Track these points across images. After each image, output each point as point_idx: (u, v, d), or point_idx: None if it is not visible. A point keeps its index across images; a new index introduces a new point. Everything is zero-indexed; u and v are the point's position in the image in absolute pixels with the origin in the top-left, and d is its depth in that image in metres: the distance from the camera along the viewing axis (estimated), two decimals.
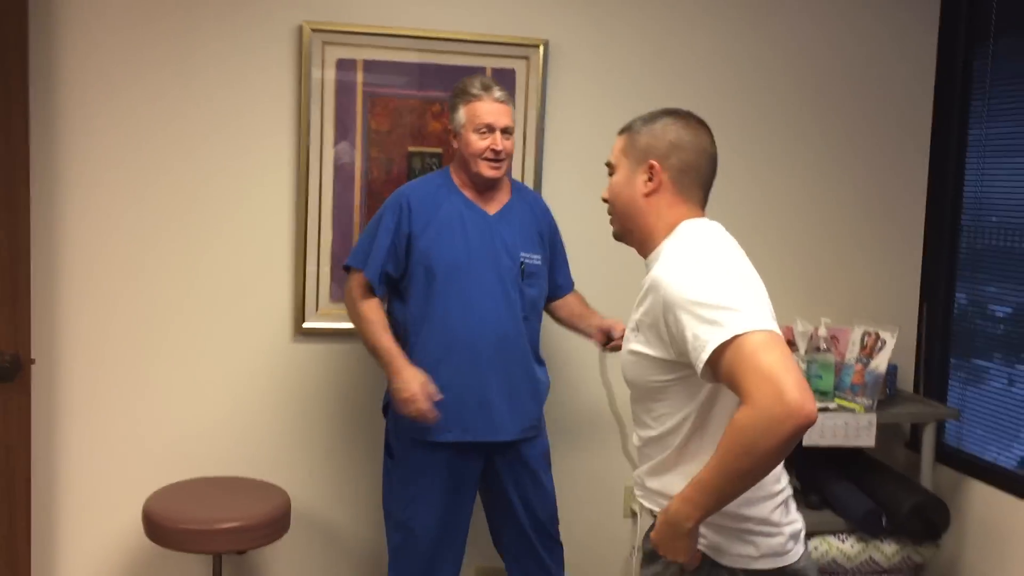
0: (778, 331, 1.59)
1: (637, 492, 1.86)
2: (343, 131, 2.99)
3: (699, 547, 1.69)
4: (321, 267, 3.01)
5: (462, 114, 2.61)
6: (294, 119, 2.97)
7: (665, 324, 1.65)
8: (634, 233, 1.85)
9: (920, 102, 3.40)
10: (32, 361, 2.61)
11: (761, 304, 1.67)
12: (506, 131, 2.60)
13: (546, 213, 2.81)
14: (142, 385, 2.95)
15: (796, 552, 1.75)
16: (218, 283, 2.97)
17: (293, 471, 3.05)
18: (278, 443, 3.05)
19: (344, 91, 2.98)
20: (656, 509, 1.77)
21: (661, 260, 1.74)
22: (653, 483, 1.79)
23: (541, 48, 3.07)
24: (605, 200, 1.89)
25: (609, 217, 1.89)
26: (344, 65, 2.97)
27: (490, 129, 2.57)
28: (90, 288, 2.89)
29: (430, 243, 2.58)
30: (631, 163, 1.83)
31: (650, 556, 1.76)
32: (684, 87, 3.24)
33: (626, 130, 1.87)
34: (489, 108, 2.58)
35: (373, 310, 2.63)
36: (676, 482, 1.68)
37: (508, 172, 2.73)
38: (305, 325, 3.01)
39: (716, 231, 1.81)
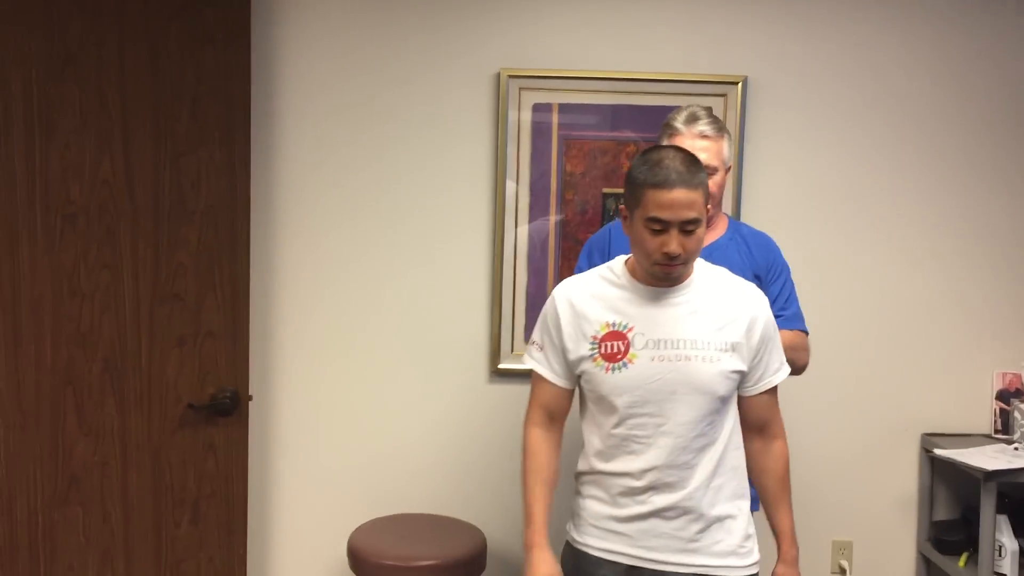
0: None
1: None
2: (538, 173, 3.02)
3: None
4: (516, 308, 3.04)
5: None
6: (491, 161, 3.03)
7: (760, 344, 1.98)
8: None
9: None
10: (250, 397, 2.76)
11: None
12: (707, 167, 2.20)
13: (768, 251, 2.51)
14: (348, 422, 3.07)
15: None
16: (419, 323, 3.06)
17: (489, 511, 3.07)
18: (474, 482, 3.08)
19: (539, 133, 3.02)
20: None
21: (736, 282, 2.03)
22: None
23: (740, 85, 2.99)
24: (687, 256, 1.92)
25: (678, 267, 1.92)
26: (540, 108, 3.01)
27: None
28: (302, 328, 3.05)
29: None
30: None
31: None
32: (893, 122, 3.07)
33: (701, 181, 1.90)
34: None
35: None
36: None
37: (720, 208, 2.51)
38: (500, 366, 3.04)
39: None
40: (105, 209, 2.59)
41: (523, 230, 3.04)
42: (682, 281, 1.96)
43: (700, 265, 2.01)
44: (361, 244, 3.05)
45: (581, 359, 1.97)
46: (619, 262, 2.04)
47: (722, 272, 2.05)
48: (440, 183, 3.05)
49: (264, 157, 2.99)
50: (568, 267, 2.97)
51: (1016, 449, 2.89)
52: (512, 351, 3.05)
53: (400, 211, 3.05)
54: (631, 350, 1.93)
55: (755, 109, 3.03)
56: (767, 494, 2.08)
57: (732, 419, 2.00)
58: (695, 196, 1.85)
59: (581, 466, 2.05)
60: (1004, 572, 2.81)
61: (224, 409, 2.67)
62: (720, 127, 2.40)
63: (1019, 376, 3.05)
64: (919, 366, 3.13)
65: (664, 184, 1.84)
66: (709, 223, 2.38)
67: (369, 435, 3.07)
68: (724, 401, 1.96)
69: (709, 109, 2.45)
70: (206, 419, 2.67)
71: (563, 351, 2.00)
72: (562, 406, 2.07)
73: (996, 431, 3.08)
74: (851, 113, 3.07)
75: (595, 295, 2.00)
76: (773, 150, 3.06)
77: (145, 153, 2.60)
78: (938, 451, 2.93)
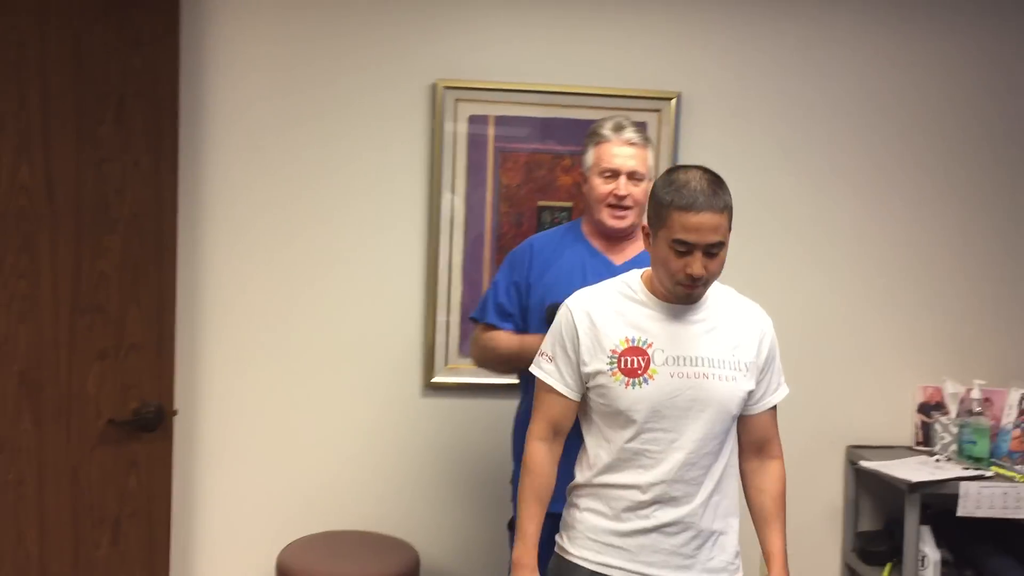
0: None
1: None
2: (474, 185, 3.01)
3: None
4: (451, 320, 3.01)
5: (590, 156, 2.46)
6: (426, 173, 3.00)
7: (765, 363, 2.03)
8: None
9: None
10: (175, 412, 2.67)
11: None
12: (634, 176, 2.40)
13: None
14: (277, 437, 2.99)
15: None
16: (351, 336, 3.00)
17: (422, 527, 3.02)
18: (407, 498, 3.04)
19: (476, 146, 3.00)
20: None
21: (744, 302, 2.06)
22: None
23: (673, 101, 3.03)
24: (709, 278, 1.93)
25: (699, 288, 1.94)
26: (476, 120, 2.99)
27: (615, 174, 2.40)
28: (229, 340, 2.96)
29: (546, 291, 2.46)
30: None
31: None
32: (819, 138, 3.15)
33: (726, 204, 1.90)
34: (617, 151, 2.40)
35: (493, 337, 2.52)
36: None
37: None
38: (434, 380, 3.01)
39: None
40: (23, 216, 2.48)
41: (458, 242, 3.02)
42: (699, 298, 1.98)
43: (712, 284, 2.03)
44: (292, 255, 2.99)
45: (597, 373, 1.96)
46: (635, 277, 2.04)
47: (730, 291, 2.08)
48: (375, 194, 3.00)
49: (192, 164, 2.90)
50: None
51: (938, 461, 2.97)
52: (446, 364, 3.02)
53: (333, 221, 3.00)
54: (652, 365, 1.93)
55: (688, 124, 3.07)
56: (761, 514, 2.08)
57: (733, 438, 2.04)
58: (720, 220, 1.87)
59: (580, 478, 2.04)
60: None
61: (147, 424, 2.58)
62: (645, 136, 2.47)
63: (940, 389, 3.14)
64: (844, 380, 3.20)
65: (691, 208, 1.84)
66: (634, 233, 2.48)
67: (299, 450, 3.00)
68: (733, 420, 2.00)
69: (631, 121, 2.49)
70: (128, 435, 2.58)
71: (578, 364, 1.98)
72: (569, 419, 2.04)
73: (918, 443, 3.17)
74: (779, 129, 3.13)
75: (614, 309, 1.99)
76: (705, 164, 3.08)
77: (67, 157, 2.51)
78: (864, 463, 3.00)
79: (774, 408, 2.08)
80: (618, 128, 2.44)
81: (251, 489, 2.99)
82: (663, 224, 1.89)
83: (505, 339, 2.50)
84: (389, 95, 2.99)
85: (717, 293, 2.03)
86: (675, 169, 1.96)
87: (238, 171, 2.95)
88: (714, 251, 1.88)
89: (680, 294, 1.93)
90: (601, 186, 2.42)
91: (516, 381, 2.59)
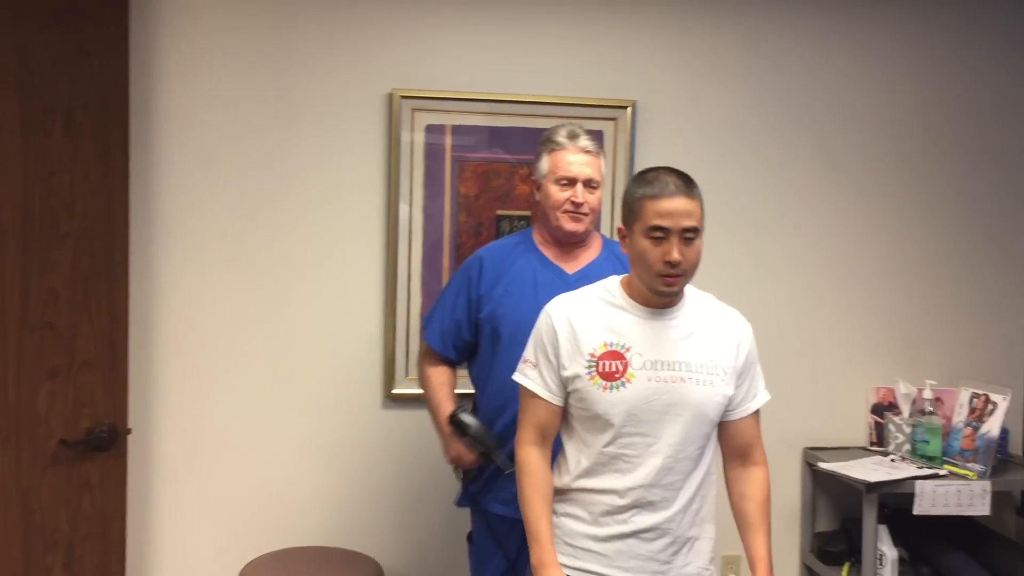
0: None
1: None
2: (432, 195, 2.99)
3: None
4: (411, 331, 2.99)
5: (545, 163, 2.45)
6: (384, 184, 2.98)
7: (744, 368, 2.03)
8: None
9: (1021, 148, 3.30)
10: (129, 430, 2.60)
11: None
12: (590, 183, 2.41)
13: None
14: (235, 453, 2.94)
15: None
16: (310, 348, 2.96)
17: (385, 540, 2.99)
18: (368, 511, 3.00)
19: (433, 156, 2.99)
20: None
21: (723, 308, 2.06)
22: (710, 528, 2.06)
23: (629, 109, 3.05)
24: (687, 266, 1.94)
25: (679, 278, 1.94)
26: (433, 130, 2.98)
27: (571, 181, 2.40)
28: (184, 356, 2.90)
29: (497, 303, 2.44)
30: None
31: None
32: (770, 146, 3.19)
33: (697, 195, 1.94)
34: (573, 158, 2.41)
35: (436, 374, 2.53)
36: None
37: (598, 228, 2.62)
38: (395, 391, 2.98)
39: None
40: None
41: (417, 253, 3.00)
42: (678, 302, 2.00)
43: (690, 290, 2.04)
44: (247, 267, 2.94)
45: (576, 376, 1.96)
46: (615, 283, 2.05)
47: (710, 297, 2.09)
48: (332, 205, 2.97)
49: (144, 176, 2.84)
50: None
51: (892, 460, 3.03)
52: (407, 376, 2.99)
53: (289, 233, 2.95)
54: (629, 369, 1.94)
55: (644, 132, 3.10)
56: (746, 521, 2.09)
57: (714, 444, 2.05)
58: (693, 206, 1.91)
59: (558, 483, 2.04)
60: None
61: (100, 444, 2.50)
62: (599, 144, 2.48)
63: (892, 390, 3.20)
64: (799, 383, 3.24)
65: (662, 194, 1.90)
66: (587, 241, 2.49)
67: (257, 466, 2.95)
68: (712, 425, 2.01)
69: (584, 128, 2.49)
70: (81, 455, 2.50)
71: (558, 368, 1.99)
72: (555, 424, 2.04)
73: (872, 443, 3.23)
74: (733, 136, 3.17)
75: (593, 314, 2.00)
76: None
77: (12, 170, 2.42)
78: (821, 464, 3.04)
79: (756, 414, 2.09)
80: (573, 136, 2.44)
81: (209, 508, 2.92)
82: (637, 217, 1.92)
83: (432, 389, 2.53)
84: (345, 105, 2.96)
85: (696, 299, 2.05)
86: (643, 171, 2.00)
87: (191, 183, 2.89)
88: (689, 236, 1.90)
89: (660, 289, 1.93)
90: (557, 193, 2.41)
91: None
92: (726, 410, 2.03)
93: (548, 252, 2.49)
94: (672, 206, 1.89)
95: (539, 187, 2.48)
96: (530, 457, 2.03)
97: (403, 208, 2.98)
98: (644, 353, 1.95)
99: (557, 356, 1.99)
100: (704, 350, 1.99)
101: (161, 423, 2.90)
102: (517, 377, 2.07)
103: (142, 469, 2.87)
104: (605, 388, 1.94)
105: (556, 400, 2.02)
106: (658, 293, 1.95)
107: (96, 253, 2.51)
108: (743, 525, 2.09)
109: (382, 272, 2.99)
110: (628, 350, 1.95)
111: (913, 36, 3.24)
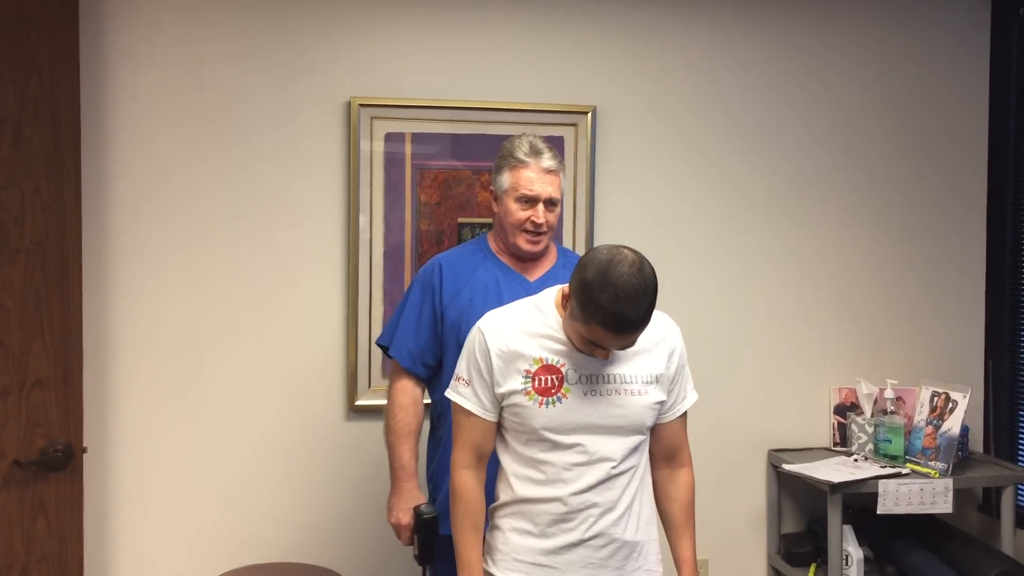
0: None
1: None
2: (392, 204, 2.96)
3: None
4: (373, 342, 2.95)
5: (505, 179, 2.39)
6: (344, 191, 2.95)
7: (675, 374, 2.05)
8: None
9: (976, 152, 3.35)
10: (85, 450, 2.54)
11: None
12: (551, 203, 2.37)
13: None
14: (194, 471, 2.89)
15: None
16: (270, 360, 2.92)
17: (349, 554, 2.95)
18: (333, 525, 2.96)
19: (393, 164, 2.96)
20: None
21: (654, 315, 1.90)
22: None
23: (589, 115, 3.05)
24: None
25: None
26: (392, 138, 2.96)
27: (533, 201, 2.36)
28: (141, 371, 2.85)
29: (461, 312, 2.40)
30: None
31: None
32: (730, 150, 3.21)
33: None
34: (535, 177, 2.35)
35: (401, 393, 2.44)
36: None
37: (555, 238, 2.58)
38: (358, 402, 2.95)
39: None
40: None
41: (378, 262, 2.97)
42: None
43: None
44: (205, 280, 2.89)
45: (512, 392, 1.95)
46: (545, 298, 2.03)
47: None
48: (291, 216, 2.93)
49: (97, 189, 2.78)
50: None
51: (856, 460, 3.05)
52: (369, 387, 2.96)
53: (248, 245, 2.91)
54: (565, 384, 1.93)
55: (604, 137, 3.09)
56: (672, 522, 2.12)
57: (647, 449, 2.06)
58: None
59: (503, 497, 2.02)
60: None
61: (55, 464, 2.44)
62: (560, 160, 2.43)
63: (854, 390, 3.23)
64: (762, 385, 3.26)
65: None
66: (546, 253, 2.48)
67: (218, 482, 2.90)
68: (647, 431, 2.02)
69: (543, 138, 2.44)
70: (35, 475, 2.43)
71: (492, 385, 1.97)
72: (490, 440, 2.02)
73: (835, 444, 3.25)
74: (694, 140, 3.18)
75: (526, 330, 1.98)
76: (622, 175, 3.13)
77: None
78: (786, 466, 3.06)
79: (684, 416, 2.11)
80: (535, 152, 2.38)
81: (169, 527, 2.87)
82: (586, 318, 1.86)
83: (396, 431, 2.44)
84: (303, 114, 2.92)
85: None
86: (604, 268, 1.87)
87: (146, 195, 2.84)
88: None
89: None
90: (518, 212, 2.37)
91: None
92: (657, 414, 2.04)
93: (507, 261, 2.47)
94: (623, 342, 1.87)
95: (497, 200, 2.43)
96: (467, 483, 2.01)
97: (363, 216, 2.95)
98: (578, 368, 1.95)
99: (491, 373, 1.97)
100: (637, 360, 1.99)
101: (118, 441, 2.83)
102: (450, 395, 2.05)
103: (99, 488, 2.81)
104: (541, 404, 1.93)
105: (491, 417, 2.01)
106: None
107: (48, 269, 2.45)
108: (670, 527, 2.13)
109: (343, 282, 2.95)
110: (563, 365, 1.95)
111: (869, 41, 3.27)
